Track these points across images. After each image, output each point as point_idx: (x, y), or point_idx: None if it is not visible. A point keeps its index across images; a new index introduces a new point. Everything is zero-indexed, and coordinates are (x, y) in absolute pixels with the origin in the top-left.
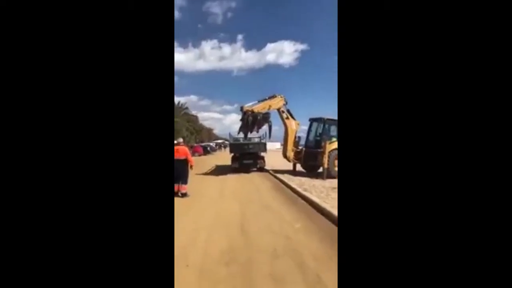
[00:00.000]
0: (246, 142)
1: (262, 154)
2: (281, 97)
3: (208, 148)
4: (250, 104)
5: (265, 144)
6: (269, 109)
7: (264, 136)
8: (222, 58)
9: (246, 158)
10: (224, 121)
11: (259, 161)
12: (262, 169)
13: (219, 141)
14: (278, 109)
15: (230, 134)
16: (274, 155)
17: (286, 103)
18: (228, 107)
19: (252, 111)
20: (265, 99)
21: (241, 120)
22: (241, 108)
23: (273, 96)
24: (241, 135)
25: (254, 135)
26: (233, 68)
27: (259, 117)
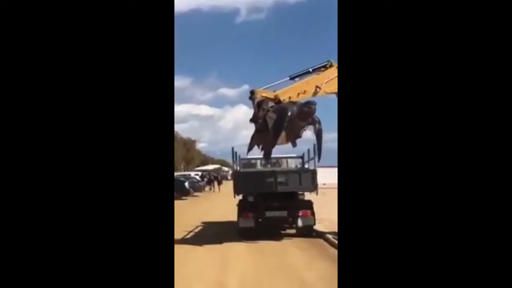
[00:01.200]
0: (269, 169)
1: (306, 195)
2: None
3: (187, 185)
4: (272, 86)
5: (312, 173)
6: (315, 94)
7: (308, 155)
8: None
9: (271, 207)
10: (220, 121)
11: (300, 214)
12: (308, 233)
13: (209, 167)
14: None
15: (234, 153)
16: (332, 197)
17: None
18: (227, 91)
19: (277, 100)
20: (307, 73)
21: (253, 120)
22: (252, 94)
23: (324, 66)
24: (257, 153)
25: (284, 154)
26: (239, 5)
27: (291, 112)
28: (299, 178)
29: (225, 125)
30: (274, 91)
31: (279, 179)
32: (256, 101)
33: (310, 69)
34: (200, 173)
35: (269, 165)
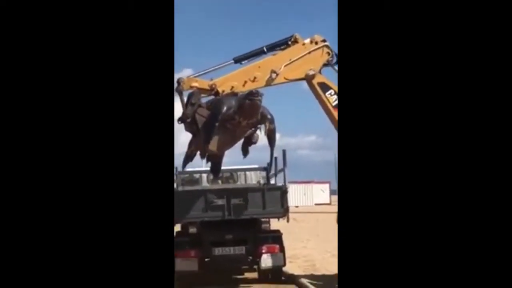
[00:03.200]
0: (219, 186)
1: (272, 223)
2: (316, 42)
3: None
4: (210, 71)
5: (282, 192)
6: (271, 82)
7: (275, 166)
8: None
9: (222, 241)
10: None
11: (264, 250)
12: (275, 277)
13: None
14: (309, 80)
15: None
16: (309, 224)
17: (332, 56)
18: None
19: (215, 91)
20: (260, 53)
21: (181, 119)
22: (178, 84)
23: (285, 43)
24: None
25: (241, 164)
26: None
27: (227, 107)
28: (263, 199)
29: None
30: (211, 80)
31: (233, 201)
32: (179, 90)
33: (265, 48)
34: None
35: (219, 181)
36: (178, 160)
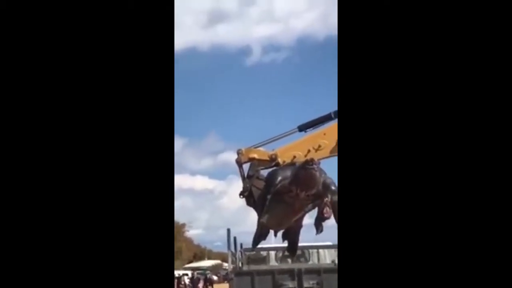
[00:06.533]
0: (288, 266)
1: None
2: None
3: None
4: (273, 141)
5: None
6: (337, 150)
7: None
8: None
9: None
10: (222, 198)
11: None
12: None
13: (204, 264)
14: None
15: (233, 239)
16: None
17: None
18: (232, 157)
19: (276, 162)
20: (326, 120)
21: (242, 193)
22: (238, 155)
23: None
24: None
25: (312, 242)
26: (250, 42)
27: (282, 178)
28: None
29: (229, 203)
30: (273, 150)
31: (306, 283)
32: (242, 164)
33: (332, 114)
34: (190, 273)
35: (289, 260)
36: (251, 239)
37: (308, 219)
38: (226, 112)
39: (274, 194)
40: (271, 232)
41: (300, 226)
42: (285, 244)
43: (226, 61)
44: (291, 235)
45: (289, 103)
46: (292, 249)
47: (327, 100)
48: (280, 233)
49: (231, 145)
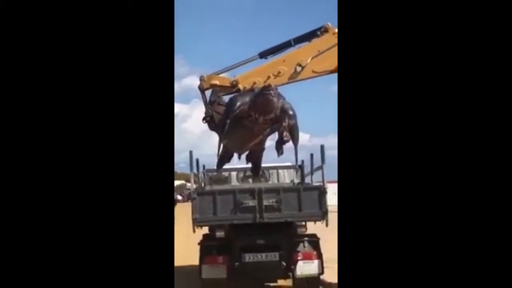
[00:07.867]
0: (249, 185)
1: (304, 226)
2: None
3: None
4: (234, 68)
5: (320, 192)
6: (296, 76)
7: (311, 164)
8: None
9: (253, 246)
10: (186, 122)
11: (300, 257)
12: (312, 286)
13: None
14: None
15: (195, 160)
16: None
17: None
18: (196, 81)
19: (237, 88)
20: (286, 46)
21: (204, 118)
22: (201, 82)
23: (313, 34)
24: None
25: (273, 163)
26: None
27: (240, 103)
28: (299, 200)
29: (192, 127)
30: (234, 76)
31: (266, 202)
32: (201, 88)
33: (292, 41)
34: None
35: (249, 180)
36: (213, 161)
37: (270, 141)
38: (195, 34)
39: (234, 118)
40: (235, 155)
41: (263, 149)
42: (248, 166)
43: None
44: (254, 157)
45: (258, 29)
46: (255, 170)
47: (289, 27)
48: (244, 156)
49: (195, 70)
